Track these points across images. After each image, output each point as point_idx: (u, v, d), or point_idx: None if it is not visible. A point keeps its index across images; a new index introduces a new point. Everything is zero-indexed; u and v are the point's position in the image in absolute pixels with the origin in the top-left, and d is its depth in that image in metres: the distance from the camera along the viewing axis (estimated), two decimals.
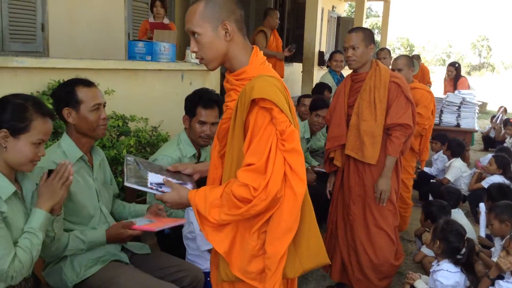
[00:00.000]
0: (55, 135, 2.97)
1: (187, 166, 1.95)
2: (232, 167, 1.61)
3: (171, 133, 4.20)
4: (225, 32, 1.62)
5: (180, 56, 5.54)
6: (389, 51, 6.04)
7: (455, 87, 7.77)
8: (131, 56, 4.61)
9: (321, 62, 9.47)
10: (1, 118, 1.71)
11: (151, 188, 1.75)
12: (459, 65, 8.31)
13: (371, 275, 3.07)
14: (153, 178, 1.81)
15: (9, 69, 3.05)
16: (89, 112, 2.16)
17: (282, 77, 6.47)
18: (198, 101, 2.77)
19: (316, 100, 4.37)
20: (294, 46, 6.68)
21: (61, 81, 3.34)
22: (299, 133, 1.72)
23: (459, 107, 6.46)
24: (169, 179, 1.79)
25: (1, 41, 4.20)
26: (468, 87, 7.80)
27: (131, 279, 2.12)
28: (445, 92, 7.86)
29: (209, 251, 2.20)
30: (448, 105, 6.50)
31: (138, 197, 2.92)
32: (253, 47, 1.71)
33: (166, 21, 5.66)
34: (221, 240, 1.58)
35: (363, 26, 10.67)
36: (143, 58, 4.53)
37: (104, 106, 2.25)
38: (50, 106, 3.01)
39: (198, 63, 5.13)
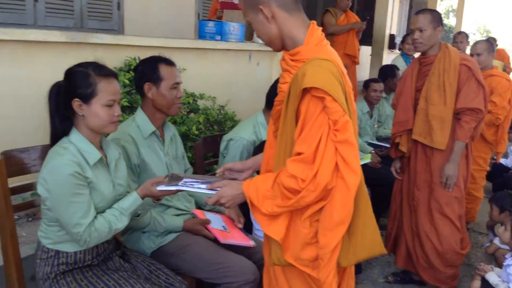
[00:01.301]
0: (131, 109, 3.10)
1: (235, 164, 1.92)
2: (285, 152, 1.57)
3: (237, 112, 4.25)
4: (265, 16, 1.57)
5: (249, 36, 5.55)
6: (466, 35, 5.73)
7: None
8: (201, 35, 4.69)
9: (392, 45, 9.15)
10: (71, 89, 1.78)
11: (182, 186, 1.78)
12: None
13: (436, 263, 3.00)
14: (187, 179, 1.85)
15: (89, 45, 3.20)
16: (168, 89, 2.25)
17: (355, 55, 6.32)
18: None
19: (369, 80, 4.57)
20: (367, 20, 6.60)
21: (137, 58, 3.46)
22: (357, 120, 1.67)
23: None
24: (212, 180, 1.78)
25: (80, 18, 4.39)
26: None
27: (203, 247, 2.20)
28: None
29: None
30: None
31: (207, 171, 2.99)
32: (310, 24, 1.62)
33: (236, 0, 5.68)
34: (277, 228, 1.56)
35: (437, 8, 10.19)
36: (213, 37, 4.59)
37: (180, 86, 2.32)
38: (127, 81, 3.16)
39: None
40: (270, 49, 5.25)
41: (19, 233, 2.05)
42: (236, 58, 4.87)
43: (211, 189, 1.70)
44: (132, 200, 1.87)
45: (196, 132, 3.40)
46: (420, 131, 2.94)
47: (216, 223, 2.34)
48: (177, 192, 1.94)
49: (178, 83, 2.29)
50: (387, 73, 5.04)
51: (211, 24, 4.62)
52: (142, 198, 1.88)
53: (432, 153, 2.94)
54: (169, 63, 2.30)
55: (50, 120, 1.84)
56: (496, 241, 3.26)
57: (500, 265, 2.94)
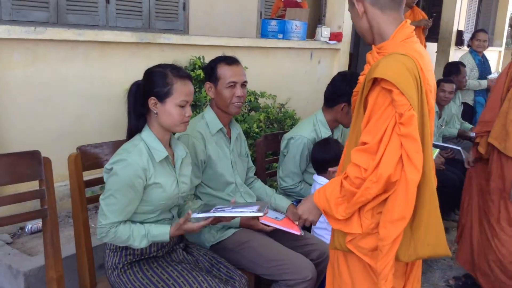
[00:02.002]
0: (194, 107, 3.20)
1: None
2: (357, 141, 1.60)
3: (298, 110, 4.27)
4: (358, 10, 1.65)
5: (310, 34, 5.55)
6: None
7: None
8: (263, 34, 4.74)
9: (459, 42, 8.78)
10: (148, 88, 1.89)
11: (215, 212, 1.87)
12: None
13: (497, 272, 2.83)
14: (219, 206, 1.95)
15: (157, 44, 3.33)
16: (225, 88, 2.27)
17: None
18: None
19: (440, 79, 4.33)
20: (433, 17, 6.44)
21: (201, 57, 3.56)
22: (433, 119, 1.64)
23: None
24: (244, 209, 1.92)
25: (148, 19, 4.56)
26: None
27: (262, 244, 2.24)
28: None
29: None
30: None
31: (267, 169, 3.03)
32: (404, 21, 1.65)
33: None
34: (354, 224, 1.60)
35: None
36: (275, 36, 4.64)
37: (243, 85, 2.32)
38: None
39: (328, 41, 5.14)
40: (332, 47, 5.23)
41: None
42: (298, 56, 4.89)
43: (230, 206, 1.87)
44: (161, 232, 1.91)
45: (257, 130, 3.46)
46: (497, 134, 2.75)
47: (272, 214, 2.37)
48: (214, 221, 1.96)
49: (235, 82, 2.27)
50: (451, 71, 4.86)
51: (273, 22, 4.67)
52: (171, 235, 1.92)
53: (507, 160, 2.75)
54: (229, 62, 2.30)
55: (127, 116, 1.96)
56: None
57: None
